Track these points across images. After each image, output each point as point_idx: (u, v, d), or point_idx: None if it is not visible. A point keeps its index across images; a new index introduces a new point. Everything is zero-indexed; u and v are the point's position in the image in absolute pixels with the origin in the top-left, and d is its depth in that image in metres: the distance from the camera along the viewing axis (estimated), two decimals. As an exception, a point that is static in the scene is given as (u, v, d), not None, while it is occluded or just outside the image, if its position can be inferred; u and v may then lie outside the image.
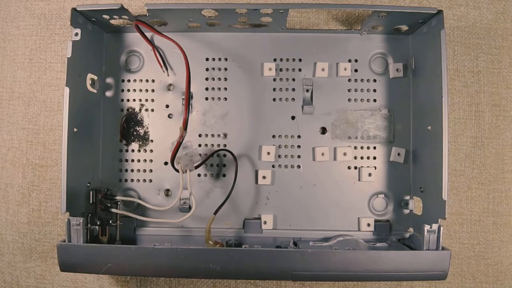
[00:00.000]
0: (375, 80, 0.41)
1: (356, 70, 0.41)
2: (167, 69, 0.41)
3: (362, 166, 0.41)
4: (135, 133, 0.41)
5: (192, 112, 0.41)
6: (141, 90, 0.41)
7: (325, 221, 0.41)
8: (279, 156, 0.41)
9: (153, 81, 0.42)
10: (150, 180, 0.41)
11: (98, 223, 0.38)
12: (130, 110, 0.41)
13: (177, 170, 0.37)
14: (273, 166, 0.41)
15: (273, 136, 0.41)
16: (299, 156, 0.41)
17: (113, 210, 0.38)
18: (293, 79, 0.41)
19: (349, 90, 0.41)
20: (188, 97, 0.37)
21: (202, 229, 0.38)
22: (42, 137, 0.43)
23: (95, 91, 0.40)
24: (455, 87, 0.43)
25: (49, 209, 0.43)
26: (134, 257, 0.34)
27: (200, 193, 0.41)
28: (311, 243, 0.39)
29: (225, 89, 0.41)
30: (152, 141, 0.41)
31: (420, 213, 0.39)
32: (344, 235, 0.39)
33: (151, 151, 0.41)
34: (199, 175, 0.41)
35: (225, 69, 0.41)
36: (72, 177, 0.35)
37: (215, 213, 0.38)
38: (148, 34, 0.41)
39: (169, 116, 0.41)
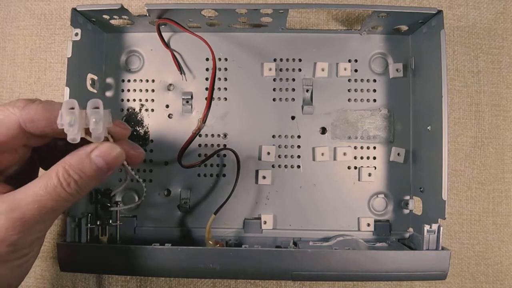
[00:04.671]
0: (375, 80, 0.41)
1: (356, 70, 0.41)
2: (184, 73, 0.41)
3: (362, 166, 0.41)
4: (135, 133, 0.41)
5: (192, 112, 0.41)
6: (141, 90, 0.41)
7: (325, 221, 0.41)
8: (279, 156, 0.41)
9: (153, 81, 0.42)
10: (150, 180, 0.41)
11: (98, 223, 0.38)
12: (130, 110, 0.42)
13: (182, 166, 0.37)
14: (273, 166, 0.41)
15: (273, 136, 0.41)
16: (299, 156, 0.41)
17: (113, 209, 0.38)
18: (293, 79, 0.41)
19: (349, 90, 0.41)
20: (212, 91, 0.37)
21: (202, 229, 0.38)
22: (42, 137, 0.43)
23: (95, 91, 0.40)
24: (455, 87, 0.43)
25: (49, 209, 0.43)
26: (134, 257, 0.34)
27: (200, 193, 0.41)
28: (311, 243, 0.39)
29: (225, 89, 0.41)
30: (152, 141, 0.41)
31: (420, 213, 0.39)
32: (344, 235, 0.40)
33: (151, 151, 0.41)
34: (198, 175, 0.41)
35: (225, 69, 0.42)
36: (72, 177, 0.35)
37: (215, 213, 0.38)
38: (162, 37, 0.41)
39: (169, 116, 0.41)
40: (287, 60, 0.42)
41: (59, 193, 0.24)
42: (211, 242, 0.37)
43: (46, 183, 0.24)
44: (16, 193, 0.24)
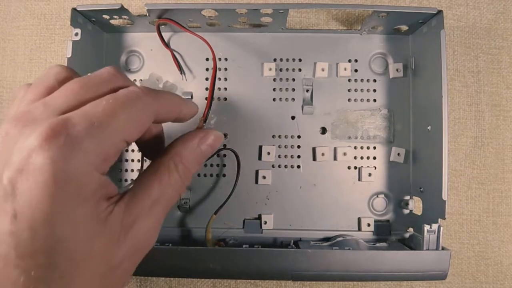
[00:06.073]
0: (375, 80, 0.41)
1: (356, 70, 0.41)
2: (184, 73, 0.41)
3: (362, 166, 0.41)
4: (135, 133, 0.41)
5: (192, 112, 0.41)
6: (141, 90, 0.41)
7: (325, 221, 0.41)
8: (279, 156, 0.41)
9: (153, 81, 0.42)
10: (150, 180, 0.41)
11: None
12: (130, 110, 0.41)
13: None
14: (273, 166, 0.41)
15: (273, 136, 0.41)
16: (299, 156, 0.41)
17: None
18: (293, 79, 0.41)
19: (349, 90, 0.41)
20: (212, 90, 0.36)
21: (202, 229, 0.38)
22: (42, 137, 0.43)
23: (95, 91, 0.40)
24: (455, 87, 0.43)
25: (49, 209, 0.43)
26: (134, 257, 0.34)
27: (200, 193, 0.41)
28: (311, 243, 0.39)
29: (225, 89, 0.41)
30: (152, 141, 0.41)
31: (420, 213, 0.39)
32: (344, 235, 0.40)
33: (151, 151, 0.41)
34: (198, 175, 0.41)
35: (225, 69, 0.42)
36: (72, 177, 0.35)
37: (216, 213, 0.38)
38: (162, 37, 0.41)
39: (169, 116, 0.41)
40: (287, 60, 0.42)
41: (180, 188, 0.24)
42: (211, 242, 0.37)
43: (166, 181, 0.23)
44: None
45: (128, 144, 0.21)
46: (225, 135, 0.41)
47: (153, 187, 0.22)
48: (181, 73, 0.41)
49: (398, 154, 0.41)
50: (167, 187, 0.23)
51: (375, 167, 0.41)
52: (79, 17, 0.36)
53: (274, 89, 0.41)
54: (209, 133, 0.26)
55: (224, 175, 0.41)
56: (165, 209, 0.23)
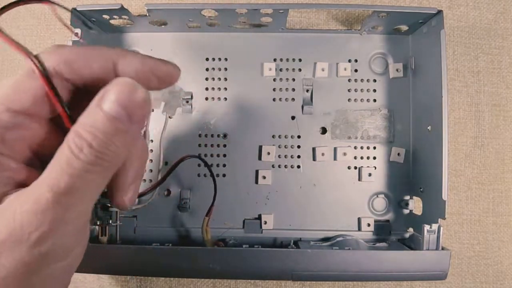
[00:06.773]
0: (375, 80, 0.41)
1: (356, 70, 0.41)
2: None
3: (362, 166, 0.41)
4: (135, 133, 0.41)
5: (192, 112, 0.41)
6: (141, 90, 0.41)
7: (325, 221, 0.41)
8: (279, 156, 0.41)
9: (153, 81, 0.41)
10: (150, 180, 0.41)
11: (98, 223, 0.38)
12: (130, 110, 0.41)
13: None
14: (273, 166, 0.41)
15: (273, 136, 0.41)
16: (299, 156, 0.41)
17: (113, 209, 0.38)
18: (293, 79, 0.41)
19: (349, 90, 0.41)
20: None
21: (202, 229, 0.38)
22: (42, 137, 0.43)
23: (95, 91, 0.40)
24: (455, 87, 0.43)
25: (49, 209, 0.43)
26: (134, 257, 0.34)
27: (200, 193, 0.41)
28: (311, 243, 0.39)
29: (225, 89, 0.41)
30: (152, 141, 0.41)
31: (420, 213, 0.39)
32: (344, 235, 0.40)
33: (151, 151, 0.41)
34: (198, 175, 0.41)
35: (225, 69, 0.42)
36: (72, 177, 0.35)
37: (207, 215, 0.37)
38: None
39: (169, 116, 0.41)
40: (287, 60, 0.42)
41: (72, 165, 0.18)
42: (210, 242, 0.37)
43: (57, 157, 0.18)
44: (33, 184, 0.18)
45: (16, 112, 0.19)
46: (225, 135, 0.41)
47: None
48: None
49: (398, 154, 0.41)
50: (52, 166, 0.19)
51: (375, 167, 0.41)
52: (79, 17, 0.36)
53: (274, 89, 0.41)
54: (115, 84, 0.19)
55: (224, 175, 0.41)
56: (50, 192, 0.18)
